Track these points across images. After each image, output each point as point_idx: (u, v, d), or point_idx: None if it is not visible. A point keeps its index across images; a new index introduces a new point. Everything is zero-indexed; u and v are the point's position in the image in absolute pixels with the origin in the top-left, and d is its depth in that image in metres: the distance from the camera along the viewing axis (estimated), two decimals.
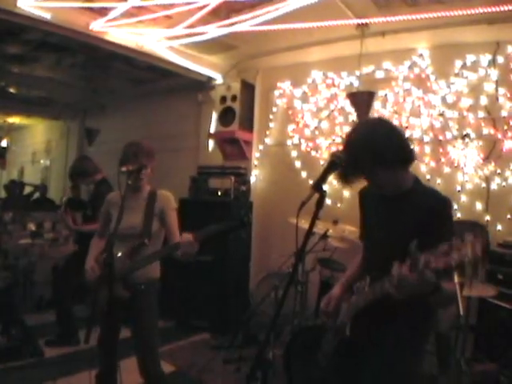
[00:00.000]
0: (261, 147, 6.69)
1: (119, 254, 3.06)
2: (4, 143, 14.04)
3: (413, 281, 1.82)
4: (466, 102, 4.95)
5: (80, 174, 5.04)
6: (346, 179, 2.18)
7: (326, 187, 1.99)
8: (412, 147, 2.20)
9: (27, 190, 10.24)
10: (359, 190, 2.57)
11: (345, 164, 2.11)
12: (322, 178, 2.00)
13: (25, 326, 4.91)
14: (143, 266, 3.09)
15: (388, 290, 1.95)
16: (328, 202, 5.32)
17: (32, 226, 6.78)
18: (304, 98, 6.23)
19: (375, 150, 2.07)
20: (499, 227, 4.66)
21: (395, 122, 4.58)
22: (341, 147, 2.22)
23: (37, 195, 10.11)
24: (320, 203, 1.95)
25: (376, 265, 2.15)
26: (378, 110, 5.41)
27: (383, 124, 2.23)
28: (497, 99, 4.77)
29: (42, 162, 13.11)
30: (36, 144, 13.67)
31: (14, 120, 13.17)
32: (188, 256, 2.97)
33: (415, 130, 5.20)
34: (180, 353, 5.10)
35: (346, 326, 2.22)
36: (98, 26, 5.26)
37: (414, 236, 1.80)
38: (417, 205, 2.11)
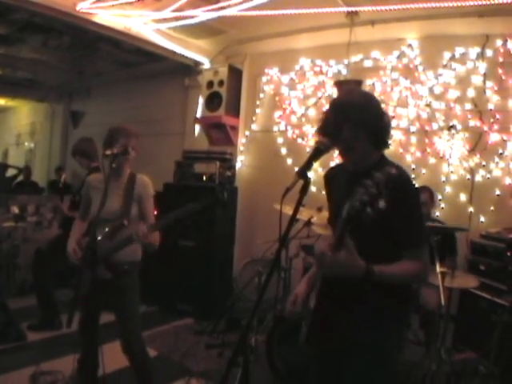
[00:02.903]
0: (247, 133, 6.68)
1: (100, 237, 3.05)
2: None
3: (329, 257, 1.90)
4: (454, 93, 4.97)
5: (81, 153, 4.99)
6: (330, 136, 2.14)
7: (311, 174, 1.98)
8: (390, 134, 2.21)
9: (11, 172, 10.15)
10: (324, 174, 2.57)
11: (333, 121, 2.13)
12: (307, 165, 1.98)
13: (8, 309, 4.88)
14: (117, 250, 3.09)
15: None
16: (313, 189, 5.31)
17: (15, 209, 6.71)
18: (291, 85, 6.22)
19: (370, 115, 2.10)
20: (482, 219, 4.72)
21: None
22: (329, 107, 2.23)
23: (20, 178, 10.02)
24: (304, 190, 1.93)
25: None
26: None
27: (377, 100, 2.24)
28: (484, 92, 4.79)
29: (26, 144, 12.97)
30: (20, 126, 13.52)
31: None
32: (146, 248, 3.09)
33: (402, 119, 5.22)
34: (163, 337, 5.10)
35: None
36: (85, 6, 5.19)
37: None
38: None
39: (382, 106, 2.24)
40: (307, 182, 1.93)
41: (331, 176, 2.50)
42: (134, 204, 3.22)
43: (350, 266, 1.90)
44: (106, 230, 3.08)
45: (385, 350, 2.14)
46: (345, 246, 1.88)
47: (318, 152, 2.04)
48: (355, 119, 2.10)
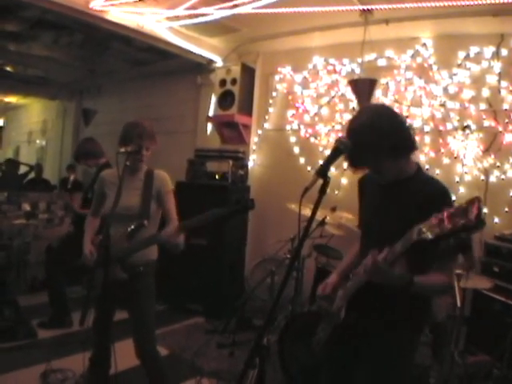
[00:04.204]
0: (259, 132, 6.66)
1: (117, 235, 3.02)
2: (0, 122, 13.97)
3: (381, 271, 1.91)
4: (468, 93, 4.92)
5: (86, 155, 4.99)
6: (352, 165, 2.18)
7: (328, 173, 1.96)
8: (414, 135, 2.20)
9: (22, 169, 10.21)
10: (359, 178, 2.56)
11: (349, 150, 2.08)
12: (327, 164, 1.97)
13: (18, 306, 4.89)
14: (138, 251, 3.07)
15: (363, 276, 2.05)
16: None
17: (27, 207, 6.73)
18: (304, 84, 6.19)
19: (380, 135, 2.06)
20: (496, 220, 4.66)
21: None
22: (343, 133, 2.21)
23: (32, 175, 10.07)
24: (323, 189, 1.92)
25: None
26: (379, 98, 5.37)
27: (387, 110, 2.22)
28: (499, 92, 4.74)
29: (37, 142, 13.04)
30: (32, 124, 13.58)
31: (11, 99, 13.09)
32: (172, 249, 3.01)
33: (416, 119, 5.17)
34: (174, 336, 5.10)
35: (341, 310, 2.21)
36: (97, 4, 5.19)
37: (411, 223, 1.80)
38: (415, 192, 2.08)
39: (396, 108, 2.22)
40: (327, 181, 1.92)
41: (365, 181, 2.51)
42: (152, 201, 3.19)
43: (399, 278, 1.94)
44: (124, 229, 3.05)
45: (399, 351, 2.14)
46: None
47: (337, 151, 2.02)
48: (367, 143, 2.09)
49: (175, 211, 3.29)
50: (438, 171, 4.97)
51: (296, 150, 6.20)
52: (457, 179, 4.88)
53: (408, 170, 2.18)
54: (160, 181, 3.26)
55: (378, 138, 2.06)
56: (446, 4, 4.48)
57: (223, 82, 6.57)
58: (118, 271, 2.99)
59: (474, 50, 4.90)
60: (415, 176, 2.17)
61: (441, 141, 5.04)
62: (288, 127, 6.32)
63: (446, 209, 1.64)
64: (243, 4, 4.86)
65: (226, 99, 6.53)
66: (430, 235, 1.68)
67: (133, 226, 3.04)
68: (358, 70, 5.61)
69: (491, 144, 4.74)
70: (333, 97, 5.88)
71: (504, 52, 4.73)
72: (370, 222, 2.36)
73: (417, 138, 4.92)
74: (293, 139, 6.25)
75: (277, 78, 6.49)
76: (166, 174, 3.34)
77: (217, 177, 6.19)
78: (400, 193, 2.15)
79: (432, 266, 2.03)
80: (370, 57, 5.50)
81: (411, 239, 1.77)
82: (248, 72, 6.59)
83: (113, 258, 2.88)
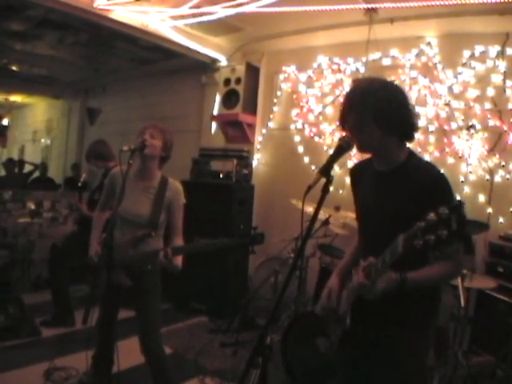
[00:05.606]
0: (264, 131, 6.65)
1: (122, 240, 3.01)
2: (5, 121, 13.99)
3: (369, 287, 1.90)
4: (473, 92, 4.89)
5: (97, 157, 5.00)
6: (342, 121, 2.13)
7: (332, 172, 1.95)
8: (416, 122, 2.13)
9: (27, 168, 10.24)
10: (350, 169, 2.55)
11: (346, 105, 2.09)
12: (330, 163, 1.95)
13: (23, 305, 4.90)
14: (137, 263, 3.06)
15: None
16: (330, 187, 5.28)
17: (31, 205, 6.74)
18: (309, 83, 6.18)
19: (380, 104, 2.01)
20: (501, 220, 4.63)
21: None
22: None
23: (37, 174, 10.10)
24: (326, 188, 1.91)
25: (371, 247, 2.05)
26: None
27: (399, 88, 2.16)
28: (504, 91, 4.71)
29: (42, 140, 13.07)
30: (37, 123, 13.60)
31: (16, 98, 13.10)
32: (170, 269, 3.00)
33: (420, 119, 5.11)
34: (177, 335, 5.10)
35: (347, 316, 2.17)
36: (102, 3, 5.19)
37: (411, 214, 1.73)
38: (410, 182, 2.03)
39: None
40: (330, 180, 1.91)
41: (357, 172, 2.47)
42: (162, 211, 3.16)
43: (388, 285, 1.89)
44: (131, 236, 3.05)
45: (414, 349, 2.11)
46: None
47: (340, 150, 2.01)
48: (357, 103, 2.05)
49: (181, 225, 3.26)
50: (442, 171, 4.94)
51: (300, 149, 6.19)
52: (461, 179, 4.86)
53: (399, 156, 2.12)
54: (174, 193, 3.21)
55: (369, 98, 2.02)
56: (450, 3, 4.46)
57: (228, 81, 6.59)
58: (123, 278, 2.98)
59: (479, 49, 4.87)
60: (407, 163, 2.11)
61: (445, 140, 5.01)
62: (292, 126, 6.32)
63: (430, 216, 1.59)
64: (247, 3, 4.86)
65: (230, 98, 6.54)
66: (416, 246, 1.63)
67: (140, 234, 3.05)
68: (362, 69, 5.61)
69: (496, 144, 4.72)
70: (337, 96, 5.85)
71: (509, 51, 4.70)
72: (366, 216, 2.31)
73: (421, 138, 4.99)
74: (297, 138, 6.25)
75: (281, 77, 6.48)
76: (180, 186, 3.28)
77: (221, 176, 6.21)
78: (395, 184, 2.09)
79: (428, 260, 1.97)
80: (374, 56, 5.49)
81: (397, 252, 1.74)
82: (252, 71, 6.60)
83: (117, 263, 2.87)
